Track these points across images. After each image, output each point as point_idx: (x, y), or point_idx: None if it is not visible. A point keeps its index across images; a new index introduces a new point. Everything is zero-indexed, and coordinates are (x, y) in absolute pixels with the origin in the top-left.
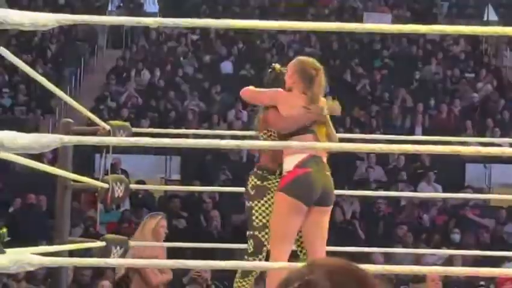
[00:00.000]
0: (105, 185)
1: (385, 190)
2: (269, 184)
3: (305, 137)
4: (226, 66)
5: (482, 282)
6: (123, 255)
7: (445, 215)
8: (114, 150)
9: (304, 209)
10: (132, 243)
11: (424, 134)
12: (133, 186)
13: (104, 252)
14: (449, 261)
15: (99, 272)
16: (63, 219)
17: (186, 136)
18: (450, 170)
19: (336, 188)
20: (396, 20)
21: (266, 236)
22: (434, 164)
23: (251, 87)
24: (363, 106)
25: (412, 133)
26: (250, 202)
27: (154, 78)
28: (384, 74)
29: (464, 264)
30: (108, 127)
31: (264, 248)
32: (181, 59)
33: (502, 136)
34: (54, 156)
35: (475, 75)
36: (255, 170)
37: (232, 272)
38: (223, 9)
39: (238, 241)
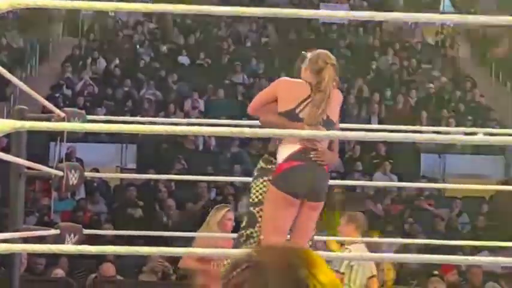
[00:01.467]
0: (60, 173)
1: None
2: (272, 168)
3: (297, 125)
4: (183, 56)
5: (435, 272)
6: (77, 243)
7: (400, 204)
8: (69, 138)
9: (295, 202)
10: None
11: (379, 124)
12: (88, 174)
13: (58, 240)
14: (403, 250)
15: (53, 261)
16: (16, 207)
17: (143, 124)
18: (405, 160)
19: None
20: (353, 10)
21: (260, 213)
22: (389, 154)
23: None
24: None
25: (368, 123)
26: (252, 183)
27: (110, 66)
28: (341, 64)
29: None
30: (63, 114)
31: (257, 224)
32: (138, 47)
33: (457, 126)
34: (8, 143)
35: (431, 66)
36: (266, 155)
37: None
38: None
39: (193, 229)
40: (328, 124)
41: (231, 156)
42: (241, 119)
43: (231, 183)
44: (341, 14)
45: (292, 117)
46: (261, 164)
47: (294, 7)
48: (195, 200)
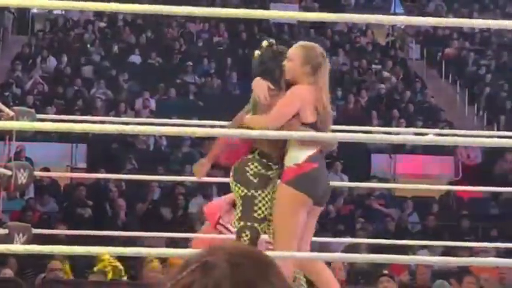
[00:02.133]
0: (8, 172)
1: None
2: (272, 174)
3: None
4: (134, 55)
5: (385, 271)
6: (25, 243)
7: (351, 204)
8: (18, 137)
9: (311, 205)
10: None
11: (333, 123)
12: (37, 173)
13: (7, 240)
14: (354, 250)
15: (1, 261)
16: None
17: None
18: (356, 160)
19: None
20: (304, 10)
21: (264, 230)
22: (340, 154)
23: (271, 115)
24: None
25: None
26: (252, 191)
27: (60, 65)
28: None
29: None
30: (12, 113)
31: (257, 241)
32: (89, 46)
33: (407, 127)
34: None
35: (381, 67)
36: (256, 156)
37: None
38: None
39: (143, 229)
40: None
41: (182, 156)
42: (192, 118)
43: (182, 183)
44: (291, 15)
45: (316, 130)
46: (258, 168)
47: (245, 7)
48: (146, 200)
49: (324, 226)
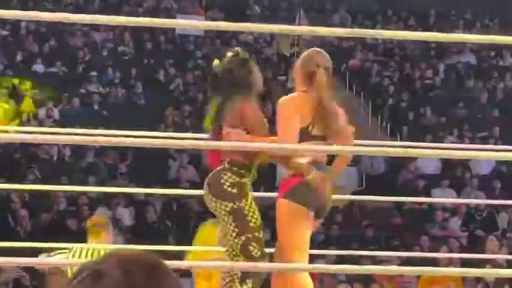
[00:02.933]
0: None
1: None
2: (247, 181)
3: (309, 144)
4: (37, 64)
5: None
6: None
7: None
8: None
9: (311, 215)
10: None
11: None
12: None
13: None
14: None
15: None
16: None
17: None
18: (262, 171)
19: (148, 187)
20: (210, 21)
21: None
22: None
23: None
24: (176, 106)
25: None
26: (237, 203)
27: None
28: (197, 75)
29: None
30: None
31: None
32: None
33: None
34: None
35: (286, 78)
36: (227, 166)
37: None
38: (35, 5)
39: (47, 239)
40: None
41: (86, 166)
42: (96, 128)
43: (86, 194)
44: (196, 24)
45: (308, 136)
46: (232, 177)
47: (151, 17)
48: (49, 210)
49: None
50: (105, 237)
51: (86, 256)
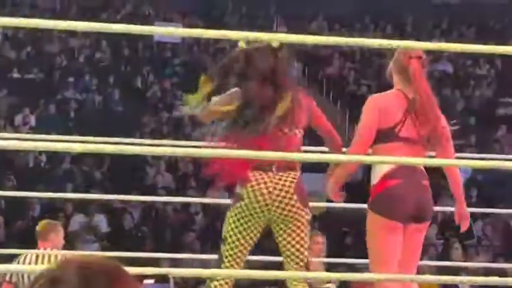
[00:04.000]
0: None
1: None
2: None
3: (394, 145)
4: (14, 70)
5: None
6: None
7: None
8: None
9: (398, 226)
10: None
11: None
12: None
13: None
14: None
15: None
16: None
17: None
18: None
19: (124, 193)
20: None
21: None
22: None
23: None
24: (154, 113)
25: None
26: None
27: None
28: (175, 82)
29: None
30: None
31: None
32: None
33: None
34: None
35: None
36: (299, 170)
37: None
38: (11, 12)
39: (21, 246)
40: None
41: (63, 173)
42: (72, 134)
43: (62, 200)
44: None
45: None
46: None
47: (130, 22)
48: (24, 217)
49: (205, 244)
50: (54, 239)
51: (36, 262)
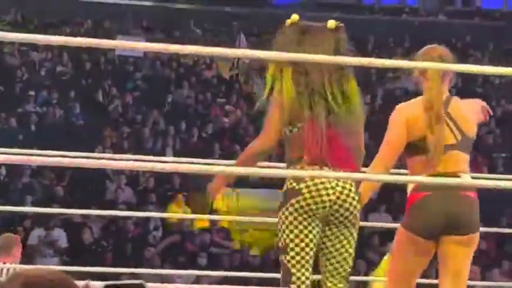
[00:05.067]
0: None
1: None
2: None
3: (418, 159)
4: None
5: None
6: None
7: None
8: None
9: (421, 241)
10: None
11: (174, 156)
12: None
13: None
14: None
15: None
16: None
17: None
18: (199, 193)
19: (84, 208)
20: (149, 42)
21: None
22: (183, 186)
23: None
24: (115, 127)
25: (163, 155)
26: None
27: None
28: (136, 96)
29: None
30: None
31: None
32: None
33: None
34: None
35: (226, 100)
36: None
37: None
38: None
39: None
40: (467, 142)
41: (22, 187)
42: (33, 148)
43: (21, 214)
44: (136, 45)
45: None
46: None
47: (92, 37)
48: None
49: (166, 258)
50: (15, 253)
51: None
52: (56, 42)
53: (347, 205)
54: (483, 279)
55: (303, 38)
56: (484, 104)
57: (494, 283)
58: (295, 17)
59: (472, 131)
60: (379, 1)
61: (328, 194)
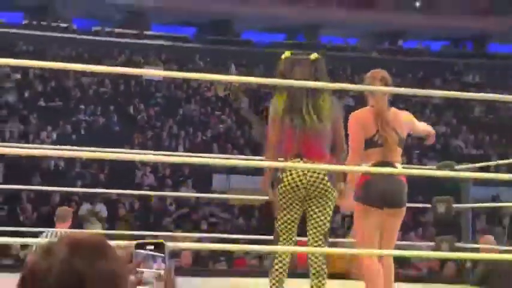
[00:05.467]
0: None
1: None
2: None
3: (373, 150)
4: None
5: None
6: None
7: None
8: None
9: (371, 209)
10: None
11: (184, 152)
12: None
13: None
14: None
15: None
16: None
17: None
18: (202, 178)
19: (119, 189)
20: (167, 71)
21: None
22: (191, 174)
23: None
24: (141, 131)
25: (176, 151)
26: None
27: None
28: (157, 109)
29: None
30: None
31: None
32: None
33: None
34: None
35: (221, 113)
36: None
37: None
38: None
39: (47, 226)
40: (401, 140)
41: (76, 174)
42: (83, 146)
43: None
44: (157, 73)
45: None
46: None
47: (125, 67)
48: (48, 204)
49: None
50: (69, 222)
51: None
52: (100, 70)
53: (319, 185)
54: (403, 240)
55: (293, 67)
56: (434, 132)
57: (411, 242)
58: (287, 53)
59: (404, 133)
60: (331, 41)
61: (300, 180)
